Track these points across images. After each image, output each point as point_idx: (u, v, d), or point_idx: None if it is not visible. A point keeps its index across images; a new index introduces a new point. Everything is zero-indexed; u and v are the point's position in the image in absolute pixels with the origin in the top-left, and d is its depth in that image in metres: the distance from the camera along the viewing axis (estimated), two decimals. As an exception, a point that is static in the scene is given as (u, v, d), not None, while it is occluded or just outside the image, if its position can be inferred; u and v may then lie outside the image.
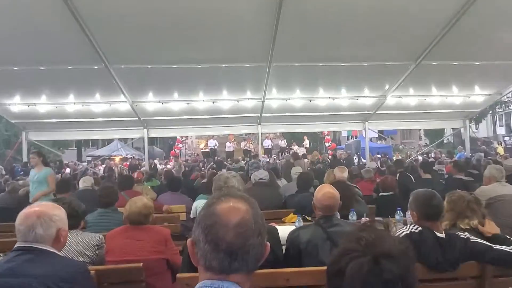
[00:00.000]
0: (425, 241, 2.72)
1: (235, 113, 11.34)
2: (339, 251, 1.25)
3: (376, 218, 4.30)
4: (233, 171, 13.62)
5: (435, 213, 2.83)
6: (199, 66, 8.50)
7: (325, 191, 3.12)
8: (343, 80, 9.90)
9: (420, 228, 2.81)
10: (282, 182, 8.03)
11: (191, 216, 5.58)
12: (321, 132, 24.29)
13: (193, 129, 12.82)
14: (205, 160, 21.97)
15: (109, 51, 7.65)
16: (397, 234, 2.79)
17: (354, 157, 20.20)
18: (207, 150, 24.07)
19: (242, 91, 10.23)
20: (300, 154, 16.48)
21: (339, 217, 3.17)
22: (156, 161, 20.56)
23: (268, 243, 1.30)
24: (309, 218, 4.41)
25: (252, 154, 22.93)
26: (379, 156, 20.84)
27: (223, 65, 8.53)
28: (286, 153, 24.16)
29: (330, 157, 19.33)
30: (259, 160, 14.50)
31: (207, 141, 24.57)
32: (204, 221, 1.25)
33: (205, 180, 8.94)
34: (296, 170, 7.45)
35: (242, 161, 19.98)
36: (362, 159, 19.07)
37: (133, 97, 10.03)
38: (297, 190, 5.83)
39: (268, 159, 20.57)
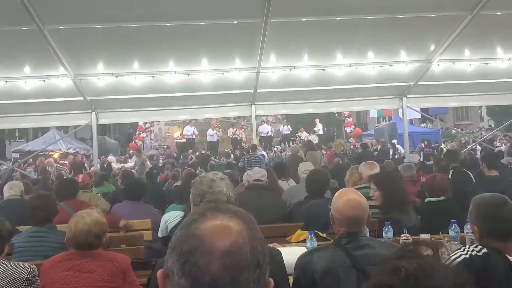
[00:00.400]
0: (493, 269, 2.69)
1: (220, 89, 11.26)
2: (370, 287, 1.24)
3: (422, 236, 4.29)
4: (218, 169, 13.54)
5: (506, 228, 2.80)
6: (168, 24, 8.39)
7: (348, 198, 3.10)
8: (370, 40, 9.84)
9: (485, 250, 2.78)
10: (290, 184, 8.06)
11: (159, 234, 5.57)
12: (340, 113, 24.31)
13: (161, 112, 12.74)
14: (175, 155, 21.98)
15: (42, 7, 7.52)
16: (451, 260, 2.77)
17: (388, 147, 20.23)
18: (183, 140, 24.09)
19: (228, 59, 10.16)
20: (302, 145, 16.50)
21: (368, 235, 3.16)
22: (109, 158, 20.50)
23: (270, 279, 1.28)
24: (323, 235, 4.39)
25: (244, 145, 22.98)
26: (423, 145, 20.90)
27: (202, 23, 8.42)
28: (291, 142, 24.21)
29: (353, 147, 19.36)
30: (260, 153, 14.53)
31: (182, 129, 24.58)
32: (181, 246, 1.22)
33: (178, 183, 8.96)
34: (305, 167, 7.47)
35: (232, 155, 20.02)
36: (400, 150, 19.12)
37: (76, 69, 9.92)
38: (306, 196, 5.84)
39: (264, 152, 20.64)
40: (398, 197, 4.87)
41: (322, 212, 4.56)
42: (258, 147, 18.82)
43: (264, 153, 20.15)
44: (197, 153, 20.68)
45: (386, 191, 4.87)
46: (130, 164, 18.49)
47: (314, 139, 21.23)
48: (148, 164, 16.86)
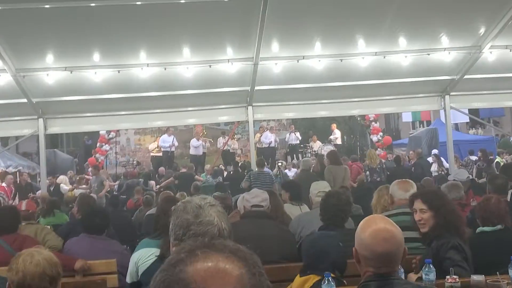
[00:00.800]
0: None
1: (206, 86, 11.33)
2: None
3: (473, 278, 4.26)
4: (205, 191, 13.46)
5: None
6: (138, 3, 8.42)
7: (376, 228, 3.09)
8: (402, 21, 9.91)
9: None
10: (304, 211, 8.02)
11: (128, 280, 5.51)
12: (364, 117, 24.34)
13: (130, 117, 12.76)
14: (149, 173, 21.87)
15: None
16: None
17: (430, 161, 20.15)
18: (159, 154, 24.03)
19: (217, 47, 10.21)
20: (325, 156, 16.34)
21: (403, 276, 3.14)
22: (61, 179, 20.42)
23: None
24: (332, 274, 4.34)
25: (239, 159, 22.90)
26: (473, 158, 20.81)
27: (182, 0, 8.48)
28: (300, 155, 24.16)
29: (384, 160, 19.30)
30: (268, 170, 14.46)
31: (158, 139, 24.51)
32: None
33: (153, 211, 8.90)
34: (319, 188, 7.43)
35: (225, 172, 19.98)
36: (444, 164, 19.08)
37: (18, 62, 9.95)
38: (321, 225, 5.81)
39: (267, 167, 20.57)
40: (456, 219, 4.82)
41: (330, 247, 4.53)
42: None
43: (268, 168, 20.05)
44: (178, 172, 20.51)
45: (441, 210, 4.78)
46: (86, 186, 18.37)
47: (329, 150, 21.13)
48: (109, 184, 16.80)
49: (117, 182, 18.98)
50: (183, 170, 19.76)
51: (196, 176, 18.53)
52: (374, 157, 15.54)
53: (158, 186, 17.58)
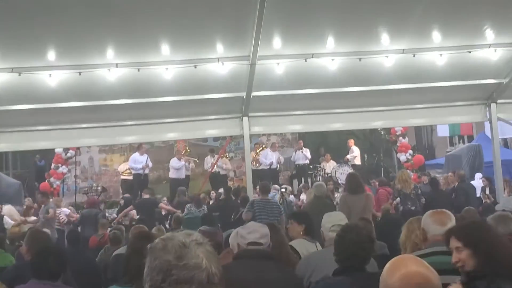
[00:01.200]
0: None
1: (190, 92, 11.45)
2: None
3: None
4: (188, 224, 13.52)
5: None
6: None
7: (407, 272, 3.10)
8: (435, 11, 9.97)
9: None
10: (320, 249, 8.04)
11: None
12: (388, 131, 24.37)
13: (94, 131, 12.82)
14: (122, 202, 21.88)
15: None
16: None
17: (480, 184, 20.08)
18: (130, 177, 23.98)
19: (205, 43, 10.29)
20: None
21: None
22: (5, 209, 20.35)
23: None
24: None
25: (232, 184, 22.79)
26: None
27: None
28: (310, 178, 24.13)
29: (419, 185, 19.28)
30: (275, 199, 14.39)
31: (128, 159, 24.49)
32: None
33: (122, 250, 8.88)
34: (332, 221, 7.43)
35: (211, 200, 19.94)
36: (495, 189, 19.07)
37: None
38: (337, 269, 5.81)
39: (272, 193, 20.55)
40: (505, 255, 4.75)
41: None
42: (255, 191, 18.46)
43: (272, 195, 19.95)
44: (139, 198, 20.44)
45: (480, 246, 4.72)
46: (34, 218, 18.32)
47: (345, 171, 21.10)
48: (54, 213, 16.72)
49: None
50: (145, 196, 19.63)
51: (161, 204, 18.48)
52: (408, 180, 15.14)
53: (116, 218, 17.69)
